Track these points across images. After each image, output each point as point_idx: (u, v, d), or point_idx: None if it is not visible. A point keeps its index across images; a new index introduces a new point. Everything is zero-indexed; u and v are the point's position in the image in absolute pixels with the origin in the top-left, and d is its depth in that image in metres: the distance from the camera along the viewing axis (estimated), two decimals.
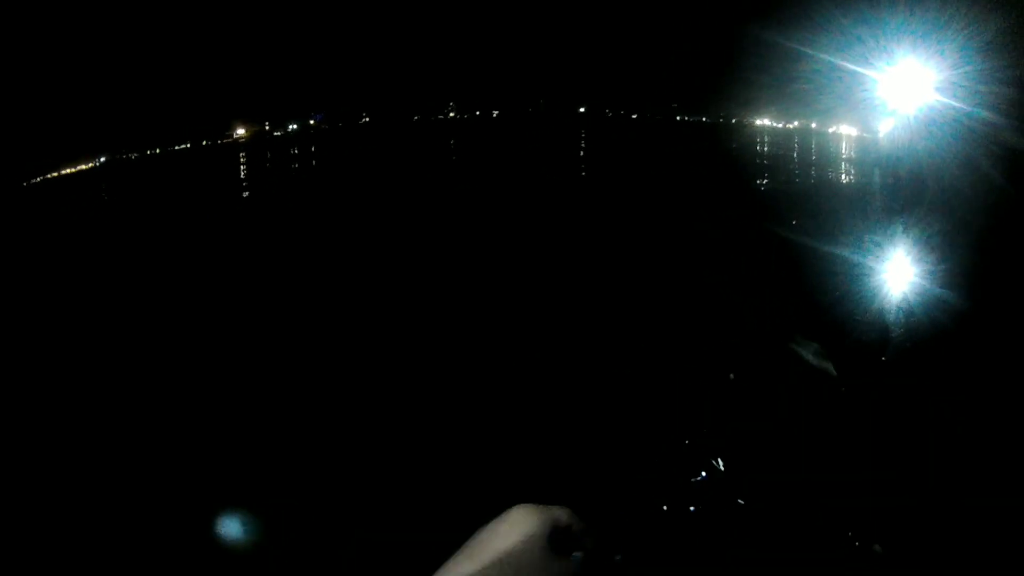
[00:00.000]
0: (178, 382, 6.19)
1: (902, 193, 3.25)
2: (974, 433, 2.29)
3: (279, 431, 5.03)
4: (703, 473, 0.65)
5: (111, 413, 5.62)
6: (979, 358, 2.42)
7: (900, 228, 3.53)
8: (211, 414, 5.41)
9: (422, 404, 5.37)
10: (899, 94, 3.01)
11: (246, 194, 28.79)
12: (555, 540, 0.57)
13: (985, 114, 2.23)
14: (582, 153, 41.09)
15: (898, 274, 3.72)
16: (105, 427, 5.34)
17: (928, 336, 3.07)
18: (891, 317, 3.62)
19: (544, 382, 5.71)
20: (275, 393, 5.79)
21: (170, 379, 6.30)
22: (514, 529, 0.55)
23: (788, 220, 11.55)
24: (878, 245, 4.24)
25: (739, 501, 0.62)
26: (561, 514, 0.55)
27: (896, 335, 3.52)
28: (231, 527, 3.71)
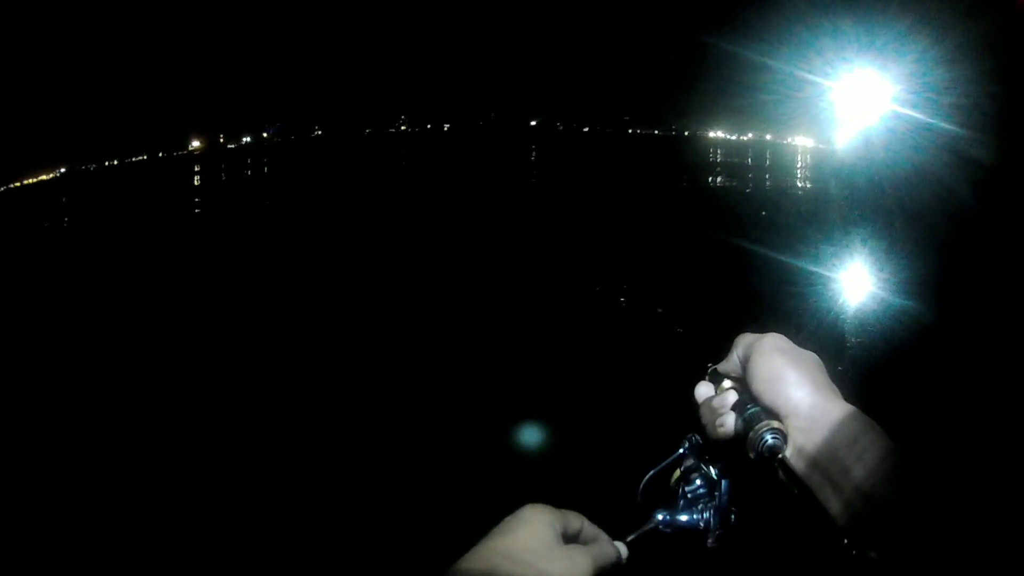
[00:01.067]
0: (151, 388, 6.01)
1: (859, 203, 3.27)
2: (938, 438, 2.28)
3: (257, 435, 4.93)
4: (700, 480, 0.63)
5: (85, 419, 5.43)
6: (937, 365, 2.42)
7: (857, 238, 3.57)
8: (182, 420, 5.27)
9: (411, 407, 5.30)
10: (856, 105, 3.03)
11: (199, 204, 28.45)
12: (567, 538, 0.59)
13: (944, 125, 2.23)
14: (533, 166, 41.50)
15: (855, 284, 3.75)
16: (78, 434, 5.15)
17: (885, 345, 3.09)
18: (847, 327, 3.65)
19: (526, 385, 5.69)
20: (238, 398, 5.66)
21: (144, 384, 6.11)
22: (527, 526, 0.56)
23: (741, 230, 11.73)
24: (835, 255, 4.29)
25: (733, 509, 0.60)
26: (572, 515, 0.57)
27: (852, 345, 3.55)
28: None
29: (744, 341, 0.64)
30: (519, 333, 7.26)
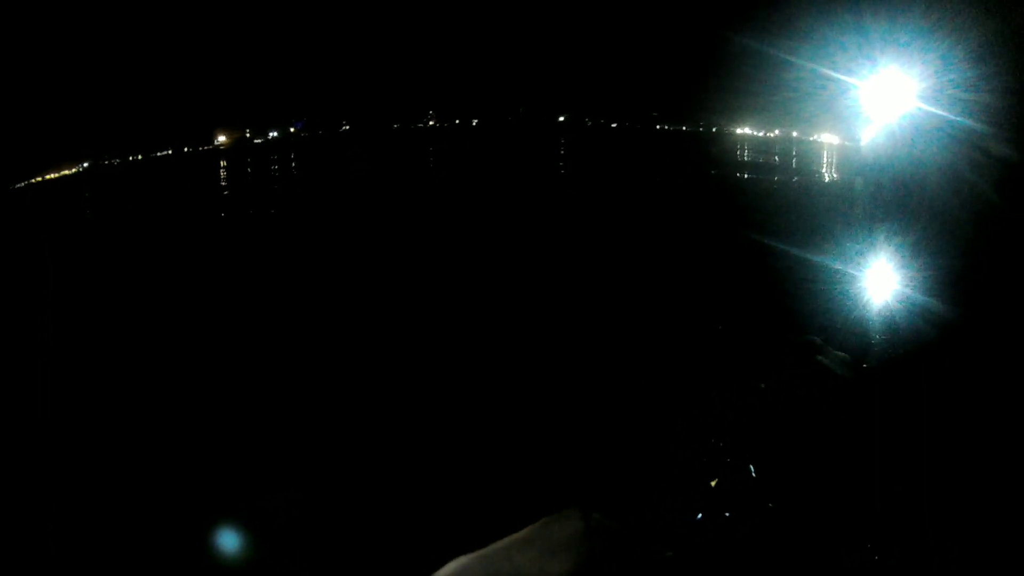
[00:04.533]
0: (167, 383, 6.12)
1: (884, 201, 3.25)
2: (962, 437, 2.28)
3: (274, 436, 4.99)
4: (732, 478, 0.66)
5: (99, 414, 5.54)
6: (962, 364, 2.42)
7: (883, 236, 3.55)
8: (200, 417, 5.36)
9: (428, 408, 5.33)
10: (882, 102, 3.02)
11: (226, 196, 28.73)
12: (602, 538, 0.63)
13: (969, 122, 2.23)
14: (561, 163, 41.29)
15: (880, 282, 3.73)
16: (91, 429, 5.27)
17: (910, 343, 3.08)
18: (873, 324, 3.63)
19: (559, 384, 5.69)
20: (268, 395, 5.74)
21: (159, 380, 6.22)
22: (567, 524, 0.61)
23: (766, 226, 11.63)
24: (860, 253, 4.26)
25: (768, 504, 0.62)
26: (604, 519, 0.61)
27: (877, 343, 3.53)
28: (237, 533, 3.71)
29: None
30: (543, 328, 7.27)
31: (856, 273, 4.40)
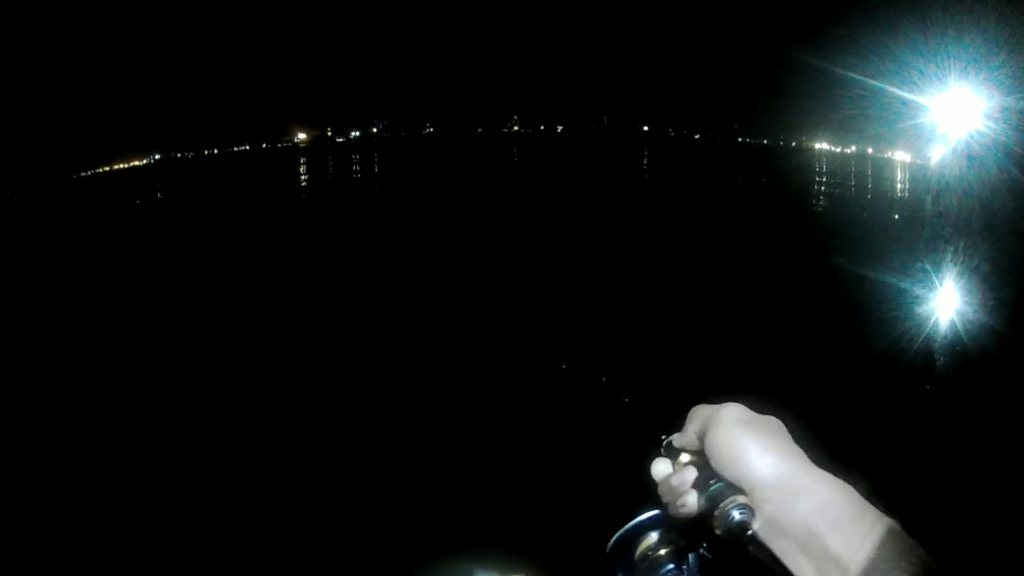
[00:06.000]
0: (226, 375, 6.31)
1: (952, 221, 3.22)
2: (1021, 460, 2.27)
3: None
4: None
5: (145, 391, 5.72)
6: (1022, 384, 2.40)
7: (950, 256, 3.50)
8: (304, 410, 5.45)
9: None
10: (949, 121, 3.01)
11: (305, 196, 29.14)
12: None
13: None
14: (645, 172, 40.75)
15: (947, 302, 3.67)
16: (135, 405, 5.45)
17: (976, 364, 3.03)
18: (939, 345, 3.57)
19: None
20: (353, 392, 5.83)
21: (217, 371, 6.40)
22: None
23: (840, 248, 11.35)
24: (928, 273, 4.19)
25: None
26: None
27: (943, 363, 3.47)
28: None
29: (700, 414, 0.61)
30: (629, 333, 7.19)
31: (923, 293, 4.32)
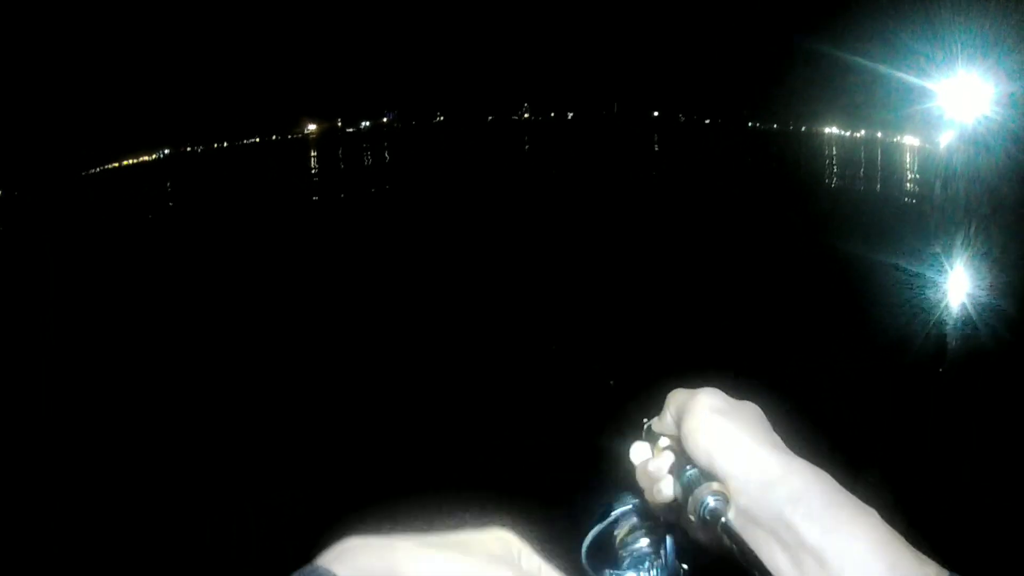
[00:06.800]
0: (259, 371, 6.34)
1: (961, 205, 3.25)
2: None
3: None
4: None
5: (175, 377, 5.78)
6: None
7: (959, 240, 3.53)
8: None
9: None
10: (958, 107, 3.04)
11: (316, 192, 28.97)
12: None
13: None
14: (655, 157, 40.33)
15: (958, 286, 3.70)
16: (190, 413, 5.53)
17: (987, 348, 3.07)
18: (950, 329, 3.60)
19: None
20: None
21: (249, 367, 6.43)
22: (495, 535, 0.53)
23: (850, 232, 11.30)
24: (938, 257, 4.21)
25: (682, 567, 0.57)
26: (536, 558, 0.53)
27: (955, 347, 3.51)
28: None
29: (676, 399, 0.60)
30: (641, 321, 7.19)
31: (931, 276, 4.34)
